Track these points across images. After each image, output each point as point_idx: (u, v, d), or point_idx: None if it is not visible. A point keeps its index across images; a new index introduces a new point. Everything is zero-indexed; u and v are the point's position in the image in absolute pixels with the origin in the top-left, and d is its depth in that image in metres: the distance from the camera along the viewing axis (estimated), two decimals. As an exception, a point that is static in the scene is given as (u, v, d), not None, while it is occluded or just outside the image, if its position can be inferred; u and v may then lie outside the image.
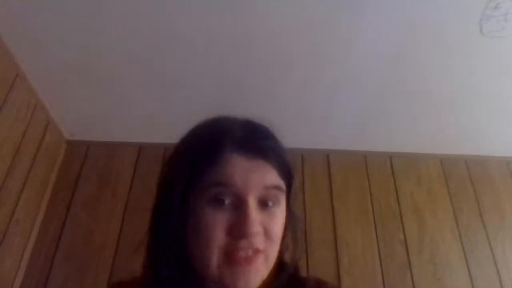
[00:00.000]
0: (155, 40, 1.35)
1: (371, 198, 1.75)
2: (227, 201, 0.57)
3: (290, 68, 1.45)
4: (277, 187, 0.61)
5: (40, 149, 1.58)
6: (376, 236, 1.66)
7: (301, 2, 1.24)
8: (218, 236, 0.56)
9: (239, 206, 0.57)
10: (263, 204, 0.59)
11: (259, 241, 0.57)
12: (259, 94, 1.55)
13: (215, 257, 0.57)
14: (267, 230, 0.58)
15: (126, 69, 1.45)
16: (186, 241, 0.60)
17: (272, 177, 0.61)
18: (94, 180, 1.70)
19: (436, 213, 1.73)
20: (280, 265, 0.64)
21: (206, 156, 0.60)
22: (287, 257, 0.68)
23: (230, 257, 0.56)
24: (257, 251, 0.57)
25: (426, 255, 1.63)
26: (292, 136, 1.89)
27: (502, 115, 1.65)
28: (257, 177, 0.59)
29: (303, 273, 0.73)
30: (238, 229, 0.56)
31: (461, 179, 1.83)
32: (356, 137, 1.79)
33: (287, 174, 0.64)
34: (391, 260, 1.61)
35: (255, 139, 0.64)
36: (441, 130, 1.74)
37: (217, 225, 0.56)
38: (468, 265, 1.62)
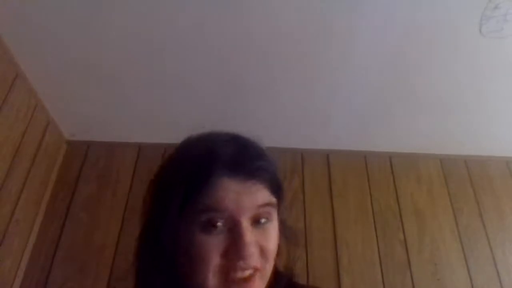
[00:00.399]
0: (155, 40, 1.35)
1: (371, 198, 1.75)
2: (219, 225, 0.56)
3: (290, 68, 1.45)
4: (269, 204, 0.60)
5: (40, 149, 1.58)
6: (376, 236, 1.66)
7: (301, 2, 1.24)
8: (213, 260, 0.56)
9: (233, 228, 0.57)
10: (256, 222, 0.59)
11: (255, 259, 0.57)
12: (259, 94, 1.56)
13: (211, 280, 0.56)
14: (262, 248, 0.58)
15: (126, 69, 1.46)
16: (179, 267, 0.59)
17: (264, 195, 0.60)
18: (94, 180, 1.70)
19: (436, 213, 1.73)
20: (275, 274, 0.63)
21: (195, 181, 0.59)
22: (281, 265, 0.67)
23: (227, 278, 0.56)
24: (254, 270, 0.57)
25: (425, 255, 1.63)
26: (292, 136, 1.92)
27: (502, 115, 1.65)
28: (248, 199, 0.58)
29: (299, 280, 0.72)
30: (234, 252, 0.56)
31: (461, 179, 1.83)
32: (356, 137, 1.79)
33: (277, 188, 0.63)
34: (391, 260, 1.61)
35: (245, 161, 0.62)
36: (441, 130, 1.74)
37: (212, 249, 0.56)
38: (468, 265, 1.62)
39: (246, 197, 0.58)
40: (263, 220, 0.59)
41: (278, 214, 0.64)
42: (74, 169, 1.73)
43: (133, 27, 1.31)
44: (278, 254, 0.63)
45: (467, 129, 1.73)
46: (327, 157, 1.83)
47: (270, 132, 1.68)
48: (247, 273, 0.56)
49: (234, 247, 0.56)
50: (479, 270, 1.61)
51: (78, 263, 1.52)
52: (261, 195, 0.60)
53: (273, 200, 0.61)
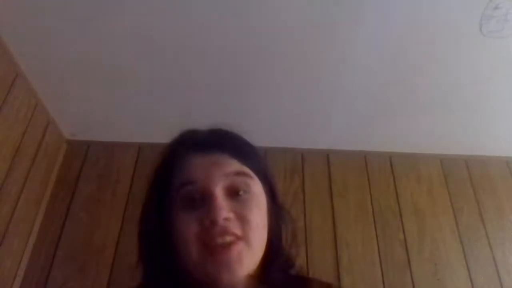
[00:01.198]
0: (156, 40, 1.35)
1: (371, 198, 1.75)
2: (196, 198, 0.59)
3: (290, 68, 1.45)
4: (240, 173, 0.62)
5: (40, 149, 1.58)
6: (376, 235, 1.66)
7: (302, 2, 1.24)
8: (192, 229, 0.58)
9: (206, 198, 0.59)
10: (234, 192, 0.60)
11: (233, 226, 0.58)
12: (259, 94, 1.56)
13: (194, 251, 0.58)
14: (241, 216, 0.59)
15: (127, 69, 1.45)
16: (173, 249, 0.62)
17: (232, 164, 0.62)
18: (94, 180, 1.70)
19: (436, 213, 1.73)
20: (272, 256, 0.64)
21: (168, 168, 0.64)
22: (284, 253, 0.68)
23: (208, 246, 0.57)
24: (235, 237, 0.58)
25: (426, 255, 1.63)
26: (292, 136, 1.92)
27: (503, 115, 1.65)
28: (216, 168, 0.61)
29: (303, 272, 0.72)
30: (207, 216, 0.57)
31: (461, 179, 1.83)
32: (356, 137, 1.79)
33: (255, 164, 0.65)
34: (391, 260, 1.61)
35: (209, 137, 0.67)
36: (441, 130, 1.74)
37: (190, 221, 0.58)
38: (468, 265, 1.62)
39: (214, 167, 0.61)
40: (241, 192, 0.61)
41: (270, 195, 0.66)
42: (74, 169, 1.73)
43: (134, 27, 1.31)
44: (271, 231, 0.64)
45: (467, 129, 1.73)
46: (327, 157, 1.83)
47: (270, 132, 1.68)
48: (228, 239, 0.57)
49: (206, 212, 0.57)
50: (479, 270, 1.61)
51: (78, 263, 1.52)
52: (230, 164, 0.62)
53: (247, 170, 0.63)
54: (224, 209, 0.57)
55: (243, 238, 0.58)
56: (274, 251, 0.65)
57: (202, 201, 0.59)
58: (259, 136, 0.70)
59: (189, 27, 1.30)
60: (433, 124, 1.70)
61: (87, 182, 1.70)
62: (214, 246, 0.57)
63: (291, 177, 1.76)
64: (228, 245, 0.57)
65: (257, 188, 0.63)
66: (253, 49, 1.38)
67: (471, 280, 1.59)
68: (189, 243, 0.58)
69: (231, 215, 0.58)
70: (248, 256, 0.58)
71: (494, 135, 1.77)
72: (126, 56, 1.41)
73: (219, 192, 0.59)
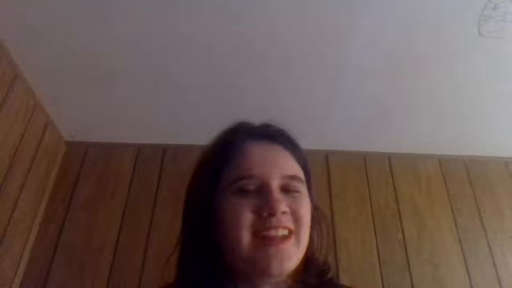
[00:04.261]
0: (155, 41, 1.35)
1: (370, 199, 1.75)
2: (251, 188, 0.60)
3: (290, 68, 1.45)
4: (296, 178, 0.63)
5: (39, 150, 1.58)
6: (375, 236, 1.66)
7: (301, 2, 1.24)
8: (246, 216, 0.58)
9: (263, 191, 0.59)
10: (286, 190, 0.61)
11: (287, 220, 0.59)
12: (259, 94, 1.56)
13: (245, 238, 0.57)
14: (294, 211, 0.60)
15: (125, 70, 1.45)
16: (216, 238, 0.61)
17: (291, 164, 0.64)
18: (93, 181, 1.70)
19: (435, 214, 1.73)
20: (309, 258, 0.64)
21: (223, 154, 0.63)
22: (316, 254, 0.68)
23: (261, 237, 0.57)
24: (288, 231, 0.58)
25: (425, 256, 1.63)
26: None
27: (501, 115, 1.65)
28: (276, 165, 0.62)
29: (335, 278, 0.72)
30: (264, 208, 0.58)
31: (460, 179, 1.83)
32: (355, 137, 1.79)
33: (303, 164, 0.67)
34: (390, 260, 1.61)
35: (268, 128, 0.68)
36: (440, 130, 1.74)
37: (244, 207, 0.58)
38: (467, 265, 1.62)
39: (274, 163, 0.62)
40: (293, 191, 0.62)
41: (310, 197, 0.67)
42: (73, 170, 1.73)
43: (133, 28, 1.31)
44: (311, 231, 0.64)
45: (466, 130, 1.73)
46: (326, 158, 1.83)
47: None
48: (281, 232, 0.58)
49: (264, 203, 0.58)
50: (478, 270, 1.61)
51: (77, 264, 1.51)
52: (289, 164, 0.63)
53: (300, 173, 0.64)
54: (282, 202, 0.59)
55: (295, 233, 0.59)
56: (312, 253, 0.66)
57: (257, 192, 0.60)
58: (297, 141, 0.72)
59: (189, 27, 1.30)
60: (432, 125, 1.70)
61: (86, 183, 1.70)
62: (268, 237, 0.57)
63: (290, 178, 1.76)
64: (282, 239, 0.58)
65: (305, 191, 0.65)
66: (253, 49, 1.38)
67: (470, 280, 1.58)
68: (241, 230, 0.58)
69: (287, 209, 0.59)
70: (297, 253, 0.60)
71: (493, 135, 1.77)
72: (125, 57, 1.41)
73: (276, 188, 0.60)
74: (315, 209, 0.69)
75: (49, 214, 1.61)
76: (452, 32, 1.33)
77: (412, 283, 1.57)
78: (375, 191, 1.77)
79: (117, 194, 1.67)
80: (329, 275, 0.70)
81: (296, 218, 0.60)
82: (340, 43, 1.36)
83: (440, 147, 1.83)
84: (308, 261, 0.64)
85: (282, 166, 0.62)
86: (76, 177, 1.71)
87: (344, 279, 1.54)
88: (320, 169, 1.80)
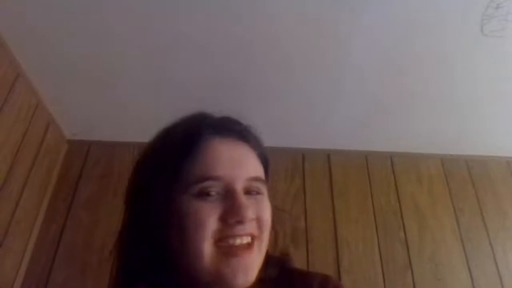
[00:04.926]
0: (156, 40, 1.35)
1: (371, 198, 1.75)
2: (213, 193, 0.55)
3: (290, 68, 1.45)
4: (259, 179, 0.59)
5: (41, 149, 1.58)
6: (377, 235, 1.66)
7: (301, 2, 1.24)
8: (211, 225, 0.53)
9: (227, 195, 0.55)
10: (248, 193, 0.58)
11: (252, 227, 0.56)
12: (259, 94, 1.55)
13: (208, 248, 0.53)
14: (259, 217, 0.57)
15: (127, 69, 1.45)
16: (170, 240, 0.56)
17: (255, 165, 0.60)
18: (95, 180, 1.70)
19: (437, 213, 1.73)
20: (267, 257, 0.61)
21: (186, 146, 0.57)
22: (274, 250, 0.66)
23: (225, 246, 0.54)
24: (252, 238, 0.55)
25: (426, 255, 1.63)
26: (292, 135, 1.91)
27: (503, 115, 1.65)
28: (242, 166, 0.58)
29: (297, 266, 0.70)
30: (231, 215, 0.53)
31: (461, 179, 1.83)
32: (357, 137, 1.79)
33: (264, 160, 0.64)
34: (392, 260, 1.61)
35: (232, 123, 0.63)
36: (441, 130, 1.73)
37: (209, 214, 0.53)
38: (469, 264, 1.62)
39: (240, 164, 0.58)
40: (254, 193, 0.58)
41: (268, 194, 0.63)
42: (75, 168, 1.73)
43: (134, 27, 1.31)
44: (271, 237, 0.61)
45: (468, 129, 1.73)
46: (328, 157, 1.83)
47: (271, 132, 1.67)
48: (245, 240, 0.55)
49: (231, 210, 0.54)
50: (480, 270, 1.61)
51: (79, 263, 1.52)
52: (254, 165, 0.60)
53: (263, 174, 0.61)
54: (249, 208, 0.55)
55: (258, 238, 0.56)
56: (270, 253, 0.63)
57: (222, 195, 0.55)
58: (259, 136, 0.70)
59: (189, 28, 1.30)
60: (434, 124, 1.70)
61: (88, 182, 1.70)
62: (232, 247, 0.54)
63: (292, 177, 1.76)
64: (245, 247, 0.55)
65: (265, 190, 0.61)
66: (253, 49, 1.38)
67: (472, 280, 1.58)
68: (202, 235, 0.53)
69: (253, 216, 0.56)
70: (260, 259, 0.57)
71: (495, 135, 1.76)
72: (126, 56, 1.41)
73: (240, 190, 0.56)
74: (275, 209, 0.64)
75: (51, 213, 1.61)
76: (453, 32, 1.32)
77: (413, 282, 1.57)
78: (377, 190, 1.77)
79: (119, 193, 1.67)
80: (289, 267, 0.68)
81: (260, 224, 0.57)
82: (340, 43, 1.36)
83: (442, 147, 1.83)
84: (266, 259, 0.60)
85: (247, 167, 0.58)
86: (78, 176, 1.71)
87: (345, 278, 1.55)
88: (322, 168, 1.80)
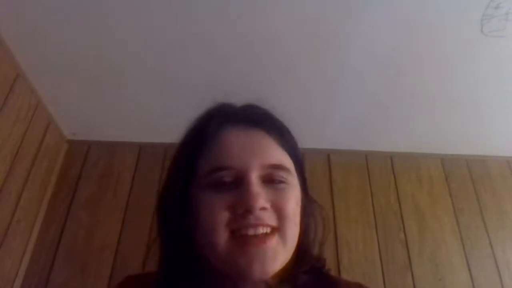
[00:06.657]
0: (156, 40, 1.35)
1: (371, 198, 1.74)
2: (227, 183, 0.54)
3: (290, 68, 1.45)
4: (281, 167, 0.56)
5: (40, 149, 1.58)
6: (377, 235, 1.65)
7: (301, 2, 1.24)
8: (221, 214, 0.52)
9: (240, 184, 0.53)
10: (269, 181, 0.55)
11: (268, 217, 0.53)
12: (259, 94, 1.55)
13: (222, 239, 0.52)
14: (278, 206, 0.54)
15: (127, 69, 1.45)
16: (194, 234, 0.56)
17: (274, 152, 0.57)
18: (95, 180, 1.70)
19: (437, 213, 1.72)
20: (301, 254, 0.58)
21: (197, 142, 0.57)
22: (312, 254, 0.63)
23: (239, 236, 0.52)
24: (270, 229, 0.53)
25: (426, 255, 1.63)
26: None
27: (504, 114, 1.65)
28: (256, 153, 0.55)
29: (331, 272, 0.67)
30: (240, 204, 0.52)
31: (462, 179, 1.82)
32: (356, 137, 1.79)
33: (292, 150, 0.60)
34: (392, 260, 1.61)
35: (249, 111, 0.61)
36: (442, 130, 1.73)
37: (218, 203, 0.53)
38: (469, 265, 1.61)
39: (253, 151, 0.55)
40: (277, 182, 0.55)
41: (302, 185, 0.60)
42: (75, 169, 1.73)
43: (134, 27, 1.31)
44: (302, 225, 0.58)
45: (468, 129, 1.73)
46: (327, 157, 1.83)
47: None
48: (261, 231, 0.52)
49: (239, 199, 0.52)
50: (480, 270, 1.61)
51: (79, 263, 1.52)
52: (272, 152, 0.57)
53: (287, 162, 0.57)
54: (261, 197, 0.52)
55: (279, 230, 0.53)
56: (304, 250, 0.60)
57: (234, 184, 0.54)
58: (288, 127, 0.68)
59: (189, 27, 1.30)
60: (434, 124, 1.70)
61: (88, 182, 1.70)
62: (246, 236, 0.51)
63: (292, 177, 1.75)
64: (263, 237, 0.52)
65: (293, 181, 0.58)
66: (253, 49, 1.38)
67: (472, 280, 1.58)
68: (216, 230, 0.52)
69: (267, 205, 0.53)
70: (283, 251, 0.54)
71: (495, 135, 1.76)
72: (126, 55, 1.41)
73: (255, 179, 0.53)
74: (309, 201, 0.63)
75: (51, 213, 1.61)
76: (454, 32, 1.32)
77: (413, 283, 1.57)
78: (377, 190, 1.76)
79: (119, 193, 1.67)
80: (323, 271, 0.64)
81: (280, 214, 0.53)
82: (340, 43, 1.36)
83: (442, 146, 1.83)
84: (298, 258, 0.57)
85: (263, 154, 0.55)
86: (78, 176, 1.71)
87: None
88: (322, 168, 1.80)
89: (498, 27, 1.28)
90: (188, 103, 1.61)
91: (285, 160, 0.58)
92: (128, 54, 1.40)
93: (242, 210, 0.51)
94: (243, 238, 0.52)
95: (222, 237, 0.52)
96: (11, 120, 1.39)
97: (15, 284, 1.44)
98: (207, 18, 1.27)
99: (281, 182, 0.56)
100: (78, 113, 1.68)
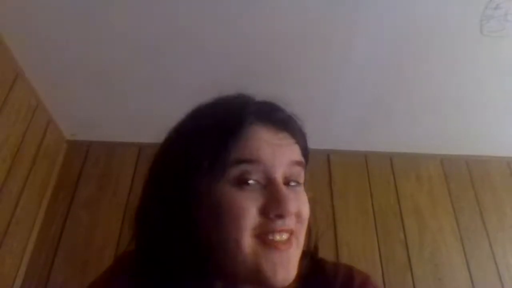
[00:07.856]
0: (156, 40, 1.35)
1: (371, 198, 1.74)
2: (252, 181, 0.50)
3: (290, 68, 1.45)
4: (300, 164, 0.55)
5: (40, 149, 1.58)
6: (377, 236, 1.65)
7: (301, 2, 1.24)
8: (251, 217, 0.49)
9: (268, 185, 0.51)
10: (287, 183, 0.53)
11: (293, 222, 0.51)
12: (259, 94, 1.55)
13: (247, 242, 0.48)
14: (299, 210, 0.52)
15: (127, 69, 1.45)
16: (203, 231, 0.51)
17: (297, 152, 0.56)
18: (94, 180, 1.70)
19: (437, 213, 1.72)
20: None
21: (224, 132, 0.52)
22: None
23: (265, 240, 0.49)
24: (291, 233, 0.51)
25: (426, 255, 1.63)
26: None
27: (503, 115, 1.65)
28: (284, 153, 0.53)
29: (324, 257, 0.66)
30: (273, 208, 0.49)
31: (461, 179, 1.82)
32: (356, 137, 1.79)
33: (305, 151, 0.59)
34: (392, 260, 1.61)
35: (276, 111, 0.59)
36: (441, 130, 1.73)
37: (249, 205, 0.49)
38: (469, 265, 1.61)
39: (282, 150, 0.53)
40: (293, 183, 0.53)
41: (305, 184, 0.58)
42: (75, 169, 1.73)
43: (133, 27, 1.31)
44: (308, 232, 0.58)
45: (468, 129, 1.73)
46: (327, 157, 1.83)
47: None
48: (284, 236, 0.50)
49: (273, 203, 0.49)
50: (480, 270, 1.61)
51: (78, 263, 1.52)
52: (295, 151, 0.55)
53: (303, 161, 0.56)
54: (292, 201, 0.50)
55: (296, 234, 0.52)
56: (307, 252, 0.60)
57: (261, 185, 0.51)
58: (303, 126, 0.68)
59: (189, 27, 1.30)
60: (433, 124, 1.70)
61: (88, 182, 1.70)
62: (272, 242, 0.49)
63: (292, 177, 1.75)
64: (286, 243, 0.50)
65: (303, 179, 0.56)
66: (253, 49, 1.38)
67: (471, 280, 1.58)
68: (242, 228, 0.48)
69: (296, 210, 0.51)
70: (297, 255, 0.52)
71: (495, 135, 1.76)
72: (126, 56, 1.41)
73: (280, 180, 0.51)
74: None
75: (51, 213, 1.61)
76: (453, 32, 1.32)
77: (413, 283, 1.57)
78: (377, 190, 1.76)
79: (119, 193, 1.67)
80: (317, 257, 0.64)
81: (300, 220, 0.52)
82: (340, 43, 1.36)
83: (441, 147, 1.83)
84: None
85: (288, 152, 0.54)
86: (78, 176, 1.71)
87: (345, 279, 1.54)
88: (322, 168, 1.80)
89: (497, 27, 1.28)
90: (188, 103, 1.61)
91: (302, 159, 0.57)
92: (128, 55, 1.40)
93: (274, 214, 0.49)
94: (270, 243, 0.49)
95: (247, 239, 0.49)
96: (10, 120, 1.39)
97: (15, 284, 1.44)
98: (207, 19, 1.28)
99: (296, 182, 0.54)
100: (78, 113, 1.68)
